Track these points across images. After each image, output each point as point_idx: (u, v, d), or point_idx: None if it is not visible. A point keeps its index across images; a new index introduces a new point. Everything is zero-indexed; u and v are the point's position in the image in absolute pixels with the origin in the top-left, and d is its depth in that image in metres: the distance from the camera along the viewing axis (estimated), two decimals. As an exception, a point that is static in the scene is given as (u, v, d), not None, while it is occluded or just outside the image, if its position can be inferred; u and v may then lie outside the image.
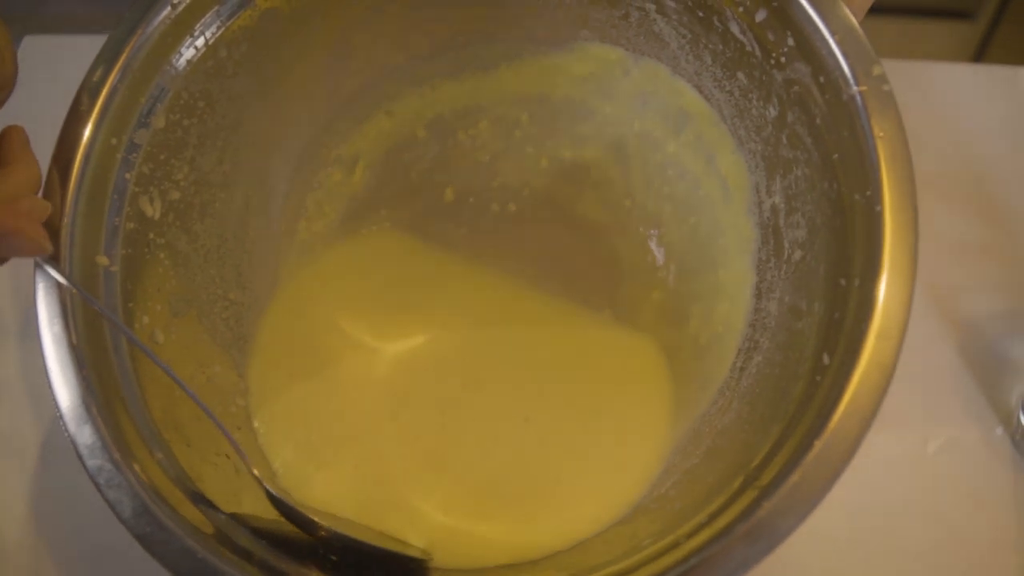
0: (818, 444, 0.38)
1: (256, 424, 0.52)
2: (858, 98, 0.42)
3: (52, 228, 0.43)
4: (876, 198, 0.40)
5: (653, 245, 0.59)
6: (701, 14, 0.49)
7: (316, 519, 0.44)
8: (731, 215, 0.53)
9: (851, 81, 0.42)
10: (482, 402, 0.54)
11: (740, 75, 0.49)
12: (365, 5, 0.53)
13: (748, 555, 0.37)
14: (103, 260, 0.45)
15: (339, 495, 0.51)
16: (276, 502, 0.44)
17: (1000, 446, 0.58)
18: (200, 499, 0.43)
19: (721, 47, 0.49)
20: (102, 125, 0.46)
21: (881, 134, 0.41)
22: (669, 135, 0.56)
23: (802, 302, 0.46)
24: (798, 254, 0.48)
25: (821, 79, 0.44)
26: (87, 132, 0.46)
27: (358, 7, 0.53)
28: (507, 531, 0.49)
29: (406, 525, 0.50)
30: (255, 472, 0.45)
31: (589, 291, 0.58)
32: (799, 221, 0.47)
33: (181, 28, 0.49)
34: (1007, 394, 0.59)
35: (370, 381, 0.55)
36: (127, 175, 0.47)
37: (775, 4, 0.45)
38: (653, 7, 0.51)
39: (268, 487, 0.44)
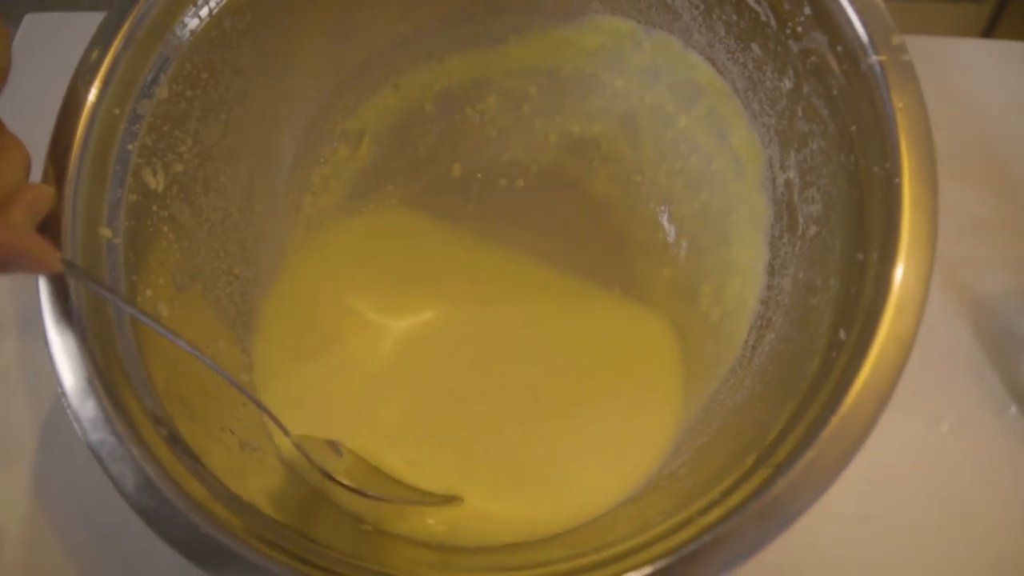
0: (834, 420, 0.37)
1: (261, 399, 0.51)
2: (877, 68, 0.41)
3: (55, 214, 0.42)
4: (895, 170, 0.39)
5: (664, 221, 0.58)
6: (715, -17, 0.48)
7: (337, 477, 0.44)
8: (744, 190, 0.52)
9: (870, 51, 0.41)
10: (490, 379, 0.54)
11: (754, 46, 0.48)
12: (371, -25, 0.52)
13: (762, 533, 0.36)
14: (106, 232, 0.45)
15: (345, 473, 0.50)
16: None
17: (1014, 425, 0.57)
18: (204, 474, 0.42)
19: (735, 18, 0.48)
20: (105, 95, 0.46)
21: (900, 105, 0.40)
22: (681, 109, 0.55)
23: (817, 278, 0.45)
24: (813, 229, 0.47)
25: (839, 49, 0.43)
26: (89, 101, 0.45)
27: (363, -22, 0.52)
28: (516, 509, 0.49)
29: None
30: (275, 417, 0.44)
31: (599, 268, 0.57)
32: (814, 196, 0.47)
33: (185, -2, 0.48)
34: (1021, 373, 0.58)
35: (376, 357, 0.54)
36: (130, 146, 0.46)
37: (792, -28, 0.44)
38: (666, -23, 0.50)
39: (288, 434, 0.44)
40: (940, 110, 0.68)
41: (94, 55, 0.45)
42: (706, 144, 0.54)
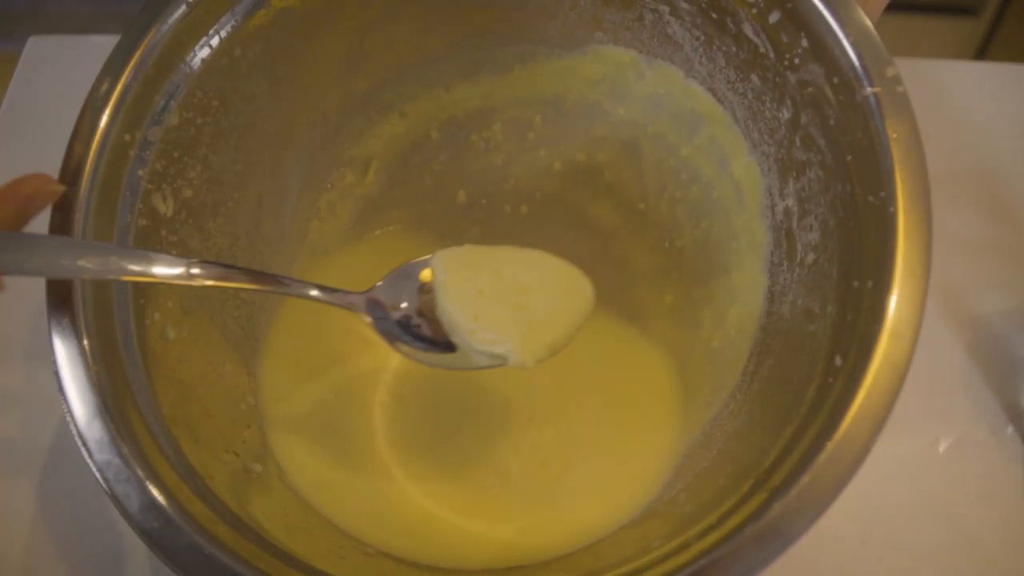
0: (830, 445, 0.37)
1: (267, 423, 0.52)
2: (872, 99, 0.42)
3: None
4: (890, 199, 0.40)
5: (666, 249, 0.58)
6: (715, 16, 0.49)
7: None
8: (744, 219, 0.53)
9: (865, 82, 0.42)
10: (491, 402, 0.54)
11: (754, 77, 0.49)
12: (380, 6, 0.53)
13: (759, 557, 0.37)
14: (115, 256, 0.45)
15: (350, 494, 0.51)
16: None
17: (1011, 445, 0.57)
18: (209, 495, 0.42)
19: (735, 49, 0.49)
20: (116, 121, 0.46)
21: (895, 135, 0.41)
22: (683, 138, 0.56)
23: (815, 305, 0.46)
24: (811, 257, 0.47)
25: (835, 80, 0.43)
26: (100, 128, 0.46)
27: (373, 8, 0.53)
28: (516, 532, 0.49)
29: (417, 524, 0.50)
30: None
31: (600, 294, 0.57)
32: (812, 224, 0.47)
33: (196, 27, 0.49)
34: (1017, 393, 0.59)
35: (380, 382, 0.55)
36: (140, 172, 0.47)
37: (789, 5, 0.45)
38: (667, 9, 0.51)
39: None
40: (935, 132, 0.69)
41: (105, 83, 0.46)
42: (707, 173, 0.55)
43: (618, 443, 0.53)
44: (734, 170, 0.53)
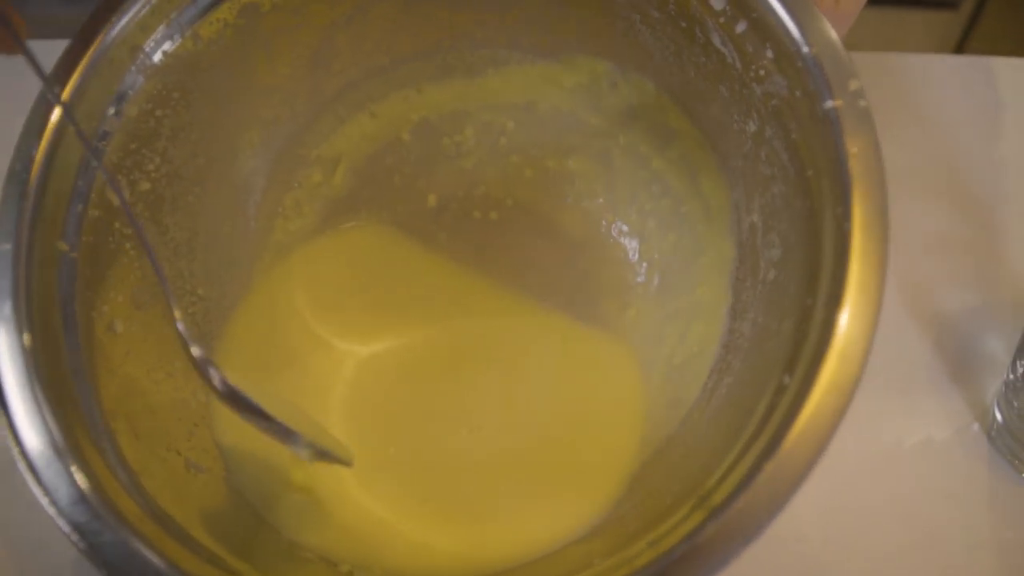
0: (769, 467, 0.36)
1: (216, 422, 0.51)
2: (833, 113, 0.41)
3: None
4: (846, 215, 0.39)
5: (634, 261, 0.57)
6: (684, 24, 0.48)
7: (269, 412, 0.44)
8: (712, 234, 0.52)
9: (826, 95, 0.41)
10: (448, 411, 0.53)
11: (722, 89, 0.48)
12: (350, 4, 0.53)
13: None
14: (62, 246, 0.45)
15: (296, 498, 0.50)
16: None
17: (976, 444, 0.56)
18: (140, 492, 0.42)
19: (703, 59, 0.48)
20: (74, 109, 0.46)
21: (854, 151, 0.40)
22: (654, 151, 0.55)
23: (773, 322, 0.45)
24: (772, 273, 0.46)
25: (797, 93, 0.43)
26: (55, 116, 0.45)
27: (343, 6, 0.53)
28: (456, 544, 0.48)
29: (362, 531, 0.49)
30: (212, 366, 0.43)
31: (566, 305, 0.57)
32: (775, 240, 0.46)
33: (158, 16, 0.48)
34: (983, 390, 0.58)
35: (335, 383, 0.54)
36: (95, 163, 0.46)
37: (754, 15, 0.44)
38: (638, 17, 0.50)
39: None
40: (902, 127, 0.69)
41: (63, 67, 0.46)
42: (677, 186, 0.54)
43: (572, 458, 0.52)
44: (703, 184, 0.52)
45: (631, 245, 0.58)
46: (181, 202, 0.52)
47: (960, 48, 1.11)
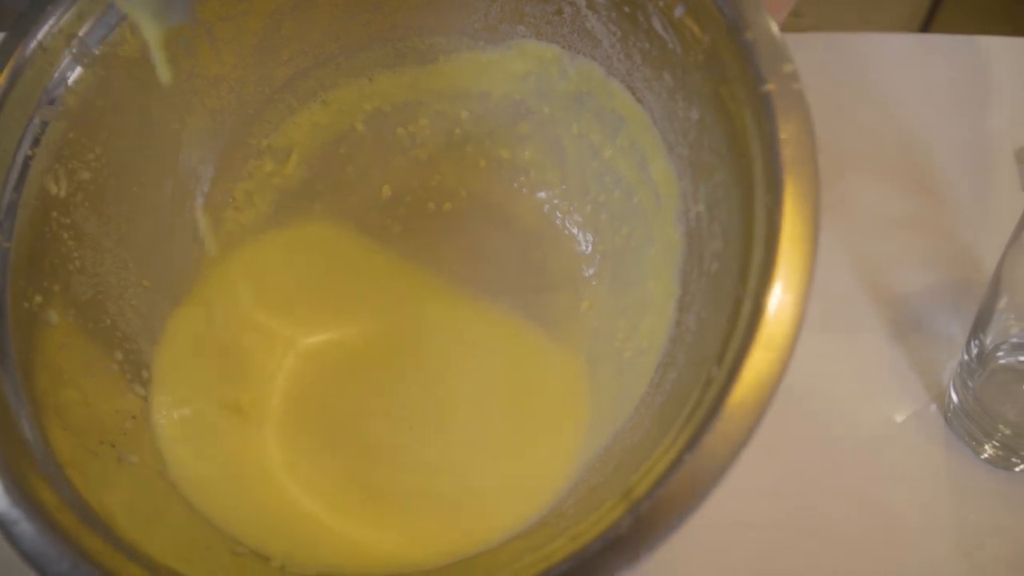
0: (689, 459, 0.35)
1: (155, 418, 0.50)
2: (767, 97, 0.39)
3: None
4: (776, 202, 0.38)
5: (588, 254, 0.56)
6: (627, 9, 0.47)
7: None
8: (661, 224, 0.51)
9: (761, 80, 0.40)
10: (389, 403, 0.52)
11: (666, 75, 0.47)
12: (295, -9, 0.52)
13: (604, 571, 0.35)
14: (-7, 236, 0.44)
15: (232, 492, 0.49)
16: None
17: (933, 424, 0.56)
18: (61, 483, 0.41)
19: (647, 45, 0.47)
20: (6, 98, 0.45)
21: (785, 136, 0.38)
22: (606, 139, 0.54)
23: (713, 315, 0.44)
24: (715, 265, 0.45)
25: (734, 79, 0.41)
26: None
27: (288, -9, 0.52)
28: (391, 542, 0.47)
29: (297, 525, 0.48)
30: None
31: (518, 298, 0.56)
32: (716, 230, 0.45)
33: (95, 4, 0.48)
34: (939, 371, 0.57)
35: (276, 374, 0.53)
36: (30, 151, 0.46)
37: (692, 0, 0.43)
38: (584, 2, 0.49)
39: None
40: (860, 107, 0.68)
41: (-1, 54, 0.45)
42: (629, 176, 0.53)
43: (517, 454, 0.51)
44: (653, 173, 0.51)
45: (585, 238, 0.57)
46: (125, 192, 0.51)
47: (926, 27, 1.10)
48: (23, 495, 0.39)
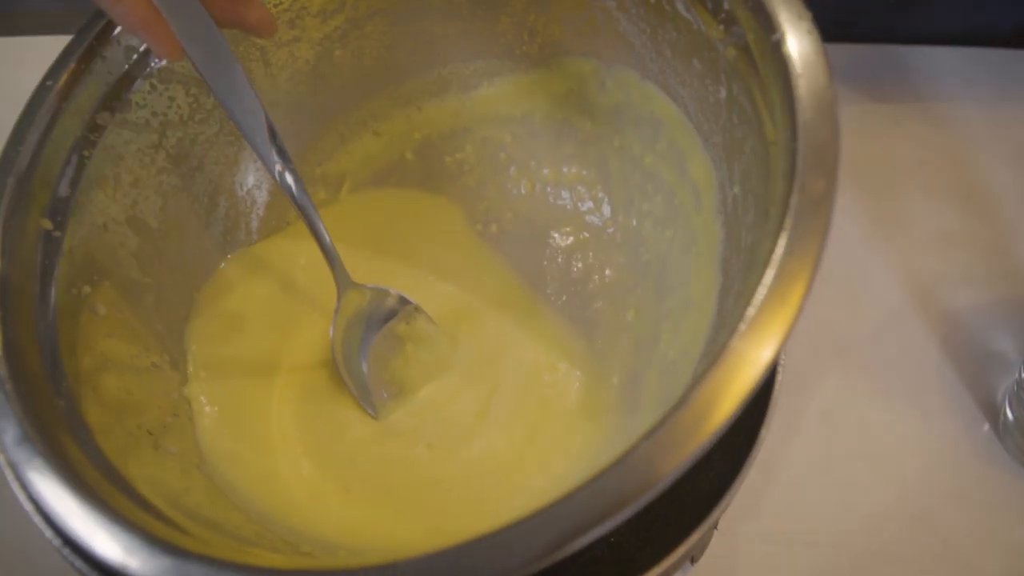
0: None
1: (195, 410, 0.51)
2: (783, 45, 0.39)
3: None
4: (794, 137, 0.37)
5: (630, 265, 0.56)
6: (653, 1, 0.48)
7: None
8: (702, 220, 0.50)
9: (777, 31, 0.40)
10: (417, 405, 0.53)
11: (695, 62, 0.48)
12: (343, 17, 0.55)
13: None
14: (46, 224, 0.46)
15: (269, 488, 0.49)
16: None
17: (986, 443, 0.53)
18: (88, 443, 0.41)
19: (675, 34, 0.48)
20: (68, 100, 0.48)
21: (801, 71, 0.38)
22: (646, 147, 0.54)
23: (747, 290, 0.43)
24: (749, 239, 0.44)
25: (752, 37, 0.42)
26: (49, 113, 0.47)
27: (336, 19, 0.55)
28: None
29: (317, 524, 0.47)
30: None
31: (560, 313, 0.56)
32: (750, 203, 0.45)
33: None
34: (993, 389, 0.55)
35: (295, 372, 0.54)
36: (85, 152, 0.48)
37: (709, -31, 0.44)
38: (613, 4, 0.51)
39: None
40: (909, 120, 0.67)
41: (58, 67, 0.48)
42: (669, 179, 0.53)
43: (540, 462, 0.50)
44: (692, 171, 0.51)
45: (629, 249, 0.56)
46: (171, 202, 0.53)
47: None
48: (52, 450, 0.39)
